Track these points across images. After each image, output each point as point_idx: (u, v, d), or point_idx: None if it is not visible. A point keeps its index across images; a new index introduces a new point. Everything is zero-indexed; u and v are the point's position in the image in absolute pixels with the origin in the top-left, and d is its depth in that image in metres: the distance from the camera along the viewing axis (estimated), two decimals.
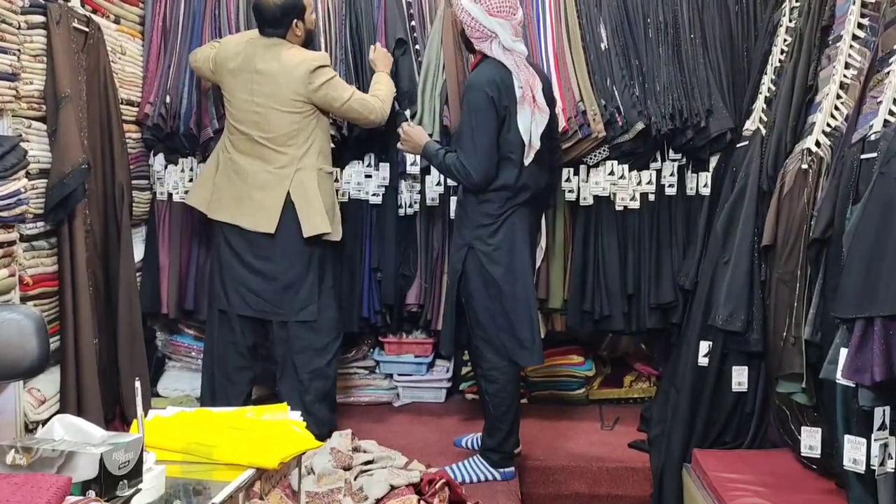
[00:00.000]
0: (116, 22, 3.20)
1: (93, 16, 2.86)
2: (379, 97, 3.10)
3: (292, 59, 2.98)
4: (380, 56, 3.25)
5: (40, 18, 2.50)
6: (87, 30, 2.77)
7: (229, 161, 3.07)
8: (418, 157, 3.26)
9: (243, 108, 3.02)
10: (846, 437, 2.14)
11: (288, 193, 2.99)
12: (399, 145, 3.00)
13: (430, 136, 3.15)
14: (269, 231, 3.00)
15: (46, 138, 2.54)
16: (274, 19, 2.99)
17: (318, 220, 3.00)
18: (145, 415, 1.82)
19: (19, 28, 2.39)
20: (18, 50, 2.38)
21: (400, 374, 3.71)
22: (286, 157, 3.00)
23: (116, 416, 2.87)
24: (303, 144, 3.01)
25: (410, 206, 3.46)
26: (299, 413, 2.13)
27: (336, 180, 3.36)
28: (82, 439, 1.56)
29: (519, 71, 2.73)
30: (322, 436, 3.01)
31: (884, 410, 2.05)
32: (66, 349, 2.54)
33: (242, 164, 3.03)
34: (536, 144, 2.77)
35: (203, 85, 3.36)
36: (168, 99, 3.33)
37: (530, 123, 2.73)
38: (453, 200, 3.31)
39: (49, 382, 2.54)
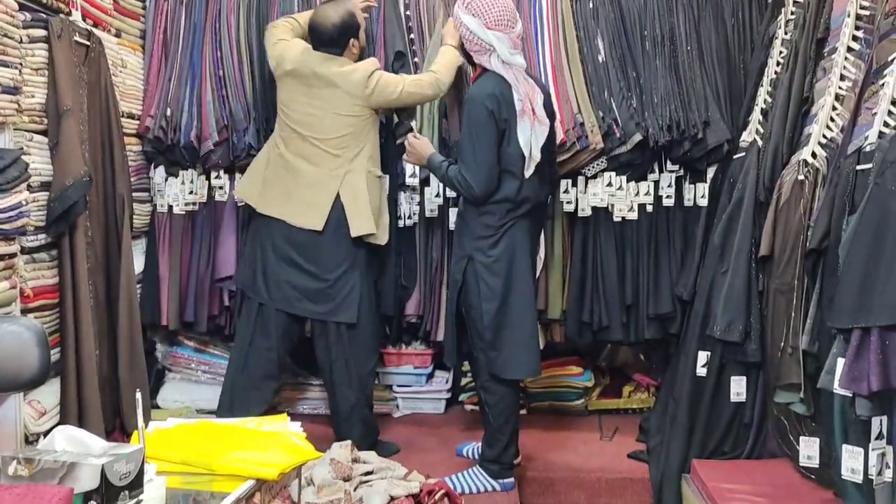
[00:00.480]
0: (117, 35, 3.22)
1: (94, 29, 2.88)
2: (433, 70, 3.11)
3: (348, 67, 3.04)
4: (448, 28, 3.24)
5: (42, 32, 2.51)
6: (88, 43, 2.79)
7: (280, 158, 3.09)
8: (418, 169, 3.28)
9: (299, 109, 3.05)
10: (844, 446, 2.15)
11: (337, 194, 3.02)
12: (404, 157, 3.03)
13: None
14: (317, 228, 3.02)
15: (48, 151, 2.55)
16: (331, 40, 3.03)
17: (365, 221, 3.03)
18: (146, 426, 1.82)
19: (21, 42, 2.41)
20: (20, 63, 2.40)
21: (399, 385, 3.72)
22: (339, 160, 3.03)
23: (117, 427, 2.87)
24: (355, 147, 3.05)
25: (410, 217, 3.47)
26: (299, 425, 2.14)
27: None
28: (83, 450, 1.57)
29: (518, 84, 2.74)
30: (373, 442, 3.07)
31: (881, 420, 2.05)
32: (67, 361, 2.54)
33: (294, 163, 3.05)
34: (537, 157, 2.78)
35: (203, 97, 3.38)
36: (168, 112, 3.35)
37: (530, 136, 2.75)
38: (453, 212, 3.33)
39: (49, 394, 2.54)
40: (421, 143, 2.96)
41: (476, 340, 2.87)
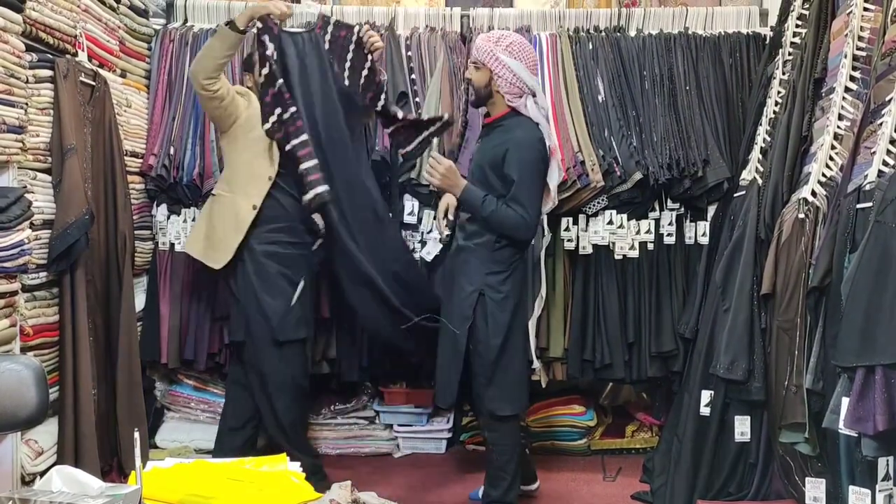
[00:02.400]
0: (123, 76, 3.26)
1: (99, 70, 2.92)
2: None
3: None
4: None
5: (48, 73, 2.55)
6: (93, 83, 2.82)
7: None
8: (416, 207, 3.30)
9: None
10: (850, 487, 2.13)
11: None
12: (426, 176, 2.87)
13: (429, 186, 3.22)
14: (194, 256, 3.11)
15: (51, 189, 2.56)
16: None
17: (191, 245, 3.11)
18: (143, 466, 1.80)
19: (27, 82, 2.44)
20: (26, 103, 2.42)
21: (400, 425, 3.68)
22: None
23: (114, 467, 2.84)
24: (220, 174, 3.24)
25: None
26: (298, 464, 2.12)
27: None
28: (80, 491, 1.55)
29: (548, 126, 2.80)
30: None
31: (888, 461, 2.03)
32: (65, 400, 2.53)
33: None
34: (555, 197, 2.87)
35: (206, 136, 3.41)
36: (172, 150, 3.38)
37: (557, 177, 2.84)
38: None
39: (46, 434, 2.52)
40: (452, 167, 2.79)
41: (480, 378, 2.83)
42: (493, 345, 2.78)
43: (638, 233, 3.45)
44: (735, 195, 3.16)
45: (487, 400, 2.82)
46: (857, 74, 2.62)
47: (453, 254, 2.95)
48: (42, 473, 2.35)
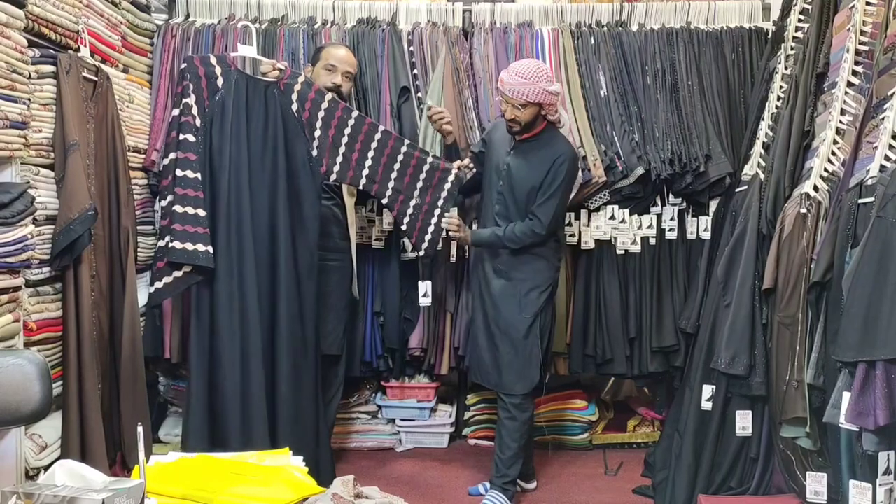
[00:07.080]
0: (125, 71, 3.26)
1: (102, 66, 2.92)
2: None
3: None
4: None
5: (50, 68, 2.55)
6: (95, 79, 2.82)
7: None
8: (429, 287, 3.42)
9: None
10: (851, 482, 2.13)
11: None
12: (452, 233, 3.13)
13: None
14: None
15: (54, 185, 2.57)
16: None
17: None
18: (147, 460, 1.81)
19: (30, 78, 2.44)
20: (28, 99, 2.42)
21: (402, 419, 3.69)
22: None
23: (117, 462, 2.85)
24: None
25: (413, 250, 3.47)
26: (301, 458, 2.12)
27: None
28: (84, 485, 1.56)
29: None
30: None
31: (888, 455, 2.03)
32: (69, 395, 2.53)
33: None
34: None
35: None
36: None
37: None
38: (453, 245, 3.39)
39: (50, 428, 2.53)
40: (463, 226, 3.15)
41: (537, 359, 3.02)
42: (545, 328, 3.08)
43: (640, 228, 3.45)
44: (737, 190, 3.16)
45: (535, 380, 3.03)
46: (859, 69, 2.62)
47: (517, 254, 3.05)
48: (46, 468, 2.35)
